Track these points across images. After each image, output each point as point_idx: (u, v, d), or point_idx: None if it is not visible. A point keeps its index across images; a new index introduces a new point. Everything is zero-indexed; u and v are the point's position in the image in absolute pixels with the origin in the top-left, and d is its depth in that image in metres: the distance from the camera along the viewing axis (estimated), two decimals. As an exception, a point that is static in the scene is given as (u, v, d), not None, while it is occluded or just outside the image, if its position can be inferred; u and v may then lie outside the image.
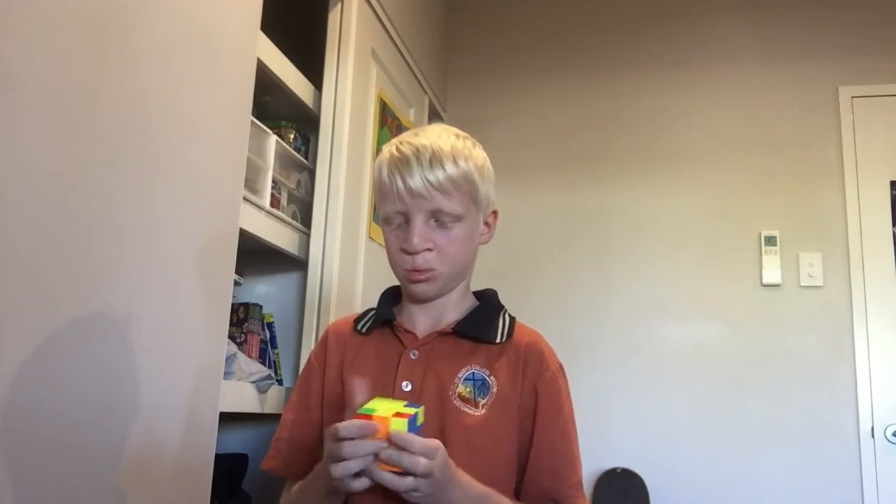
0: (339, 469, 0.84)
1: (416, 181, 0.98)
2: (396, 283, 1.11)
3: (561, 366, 1.06)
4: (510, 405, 1.01)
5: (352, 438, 0.83)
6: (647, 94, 2.81)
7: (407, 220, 1.01)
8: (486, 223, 1.09)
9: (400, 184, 0.98)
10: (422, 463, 0.83)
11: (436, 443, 0.86)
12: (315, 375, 1.09)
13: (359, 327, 1.10)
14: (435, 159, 0.98)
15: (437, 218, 1.00)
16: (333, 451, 0.85)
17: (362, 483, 0.85)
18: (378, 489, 0.88)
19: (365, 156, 2.05)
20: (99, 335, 1.06)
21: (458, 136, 1.05)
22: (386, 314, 1.09)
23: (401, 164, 0.99)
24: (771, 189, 2.65)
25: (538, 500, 1.00)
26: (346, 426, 0.84)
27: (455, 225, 1.01)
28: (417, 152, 0.99)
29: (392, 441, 0.83)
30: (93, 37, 1.05)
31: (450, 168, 0.99)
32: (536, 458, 1.00)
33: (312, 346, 1.75)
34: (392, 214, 1.02)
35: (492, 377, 1.02)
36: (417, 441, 0.83)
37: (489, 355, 1.04)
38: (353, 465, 0.83)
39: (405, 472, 0.84)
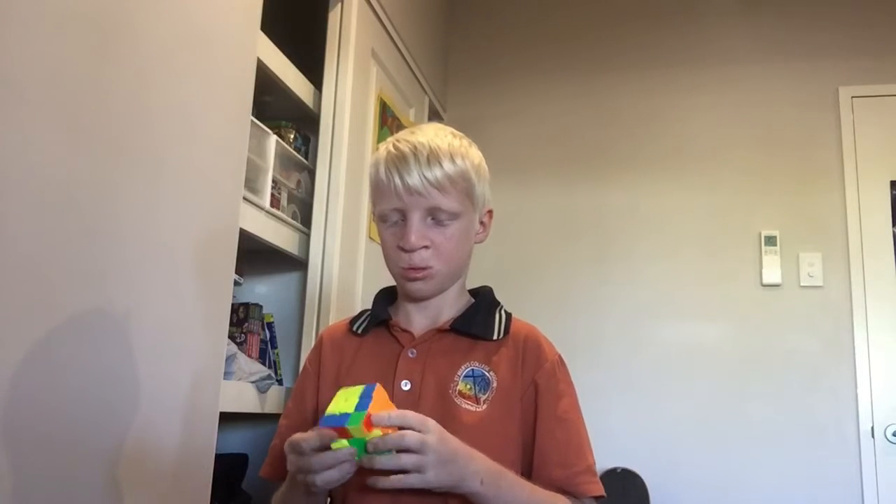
0: (319, 480, 0.84)
1: (413, 178, 0.98)
2: (395, 283, 1.11)
3: (560, 357, 1.06)
4: (511, 399, 1.01)
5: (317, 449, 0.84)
6: (648, 94, 2.81)
7: (404, 217, 1.01)
8: (482, 222, 1.09)
9: (398, 181, 0.98)
10: (407, 435, 0.82)
11: (419, 416, 0.85)
12: (309, 381, 1.09)
13: (354, 328, 1.10)
14: (433, 157, 0.99)
15: (434, 216, 1.00)
16: (302, 465, 0.85)
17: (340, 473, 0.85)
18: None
19: (365, 156, 2.04)
20: (99, 335, 1.06)
21: (454, 134, 1.05)
22: (381, 314, 1.08)
23: (398, 161, 0.99)
24: (771, 189, 2.65)
25: (546, 489, 0.98)
26: (309, 439, 0.84)
27: (452, 223, 1.01)
28: (415, 150, 0.99)
29: (373, 423, 0.82)
30: (94, 37, 1.05)
31: (447, 166, 0.99)
32: (542, 450, 1.00)
33: (312, 346, 1.76)
34: (389, 212, 1.02)
35: (491, 372, 1.02)
36: (392, 415, 0.82)
37: (487, 351, 1.04)
38: (333, 475, 0.84)
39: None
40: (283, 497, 1.01)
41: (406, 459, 0.83)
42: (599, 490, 1.01)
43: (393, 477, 0.83)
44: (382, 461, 0.83)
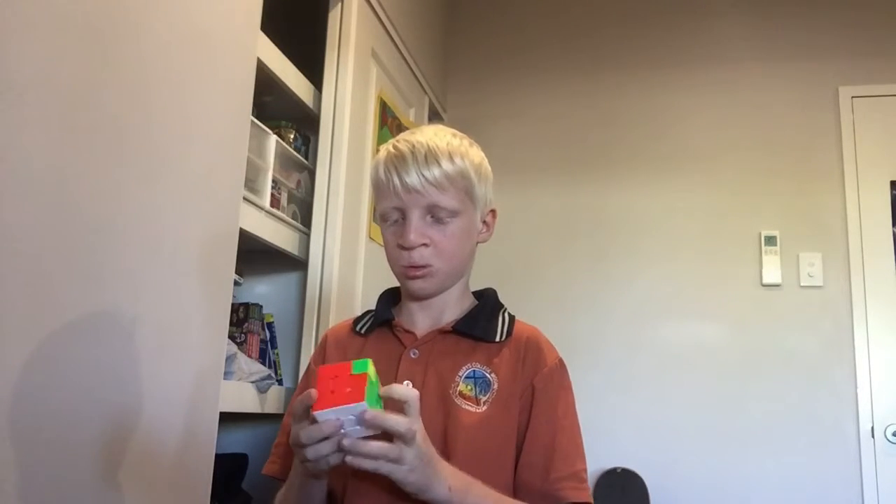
0: (311, 452, 0.84)
1: (411, 177, 0.99)
2: (396, 284, 1.11)
3: (560, 360, 1.06)
4: (511, 401, 1.01)
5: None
6: (648, 94, 2.81)
7: (403, 216, 1.02)
8: (485, 222, 1.09)
9: (396, 180, 1.00)
10: (402, 422, 0.82)
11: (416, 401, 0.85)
12: (314, 380, 1.10)
13: (357, 328, 1.11)
14: (431, 156, 1.00)
15: (433, 213, 1.01)
16: (300, 437, 0.85)
17: (337, 458, 0.84)
18: (375, 483, 0.89)
19: (365, 156, 2.05)
20: (99, 335, 1.06)
21: (454, 135, 1.06)
22: (385, 314, 1.09)
23: (397, 160, 1.01)
24: (771, 189, 2.65)
25: (528, 493, 0.98)
26: (301, 398, 0.85)
27: (451, 220, 1.02)
28: (413, 149, 1.00)
29: (366, 419, 0.82)
30: (93, 37, 1.05)
31: (445, 164, 1.00)
32: (528, 451, 1.00)
33: (312, 346, 1.76)
34: (389, 211, 1.03)
35: (492, 374, 1.02)
36: (391, 417, 0.82)
37: (489, 353, 1.04)
38: (324, 448, 0.83)
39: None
40: (285, 491, 1.01)
41: (389, 449, 0.82)
42: (583, 496, 0.99)
43: (368, 462, 0.83)
44: (368, 447, 0.82)
